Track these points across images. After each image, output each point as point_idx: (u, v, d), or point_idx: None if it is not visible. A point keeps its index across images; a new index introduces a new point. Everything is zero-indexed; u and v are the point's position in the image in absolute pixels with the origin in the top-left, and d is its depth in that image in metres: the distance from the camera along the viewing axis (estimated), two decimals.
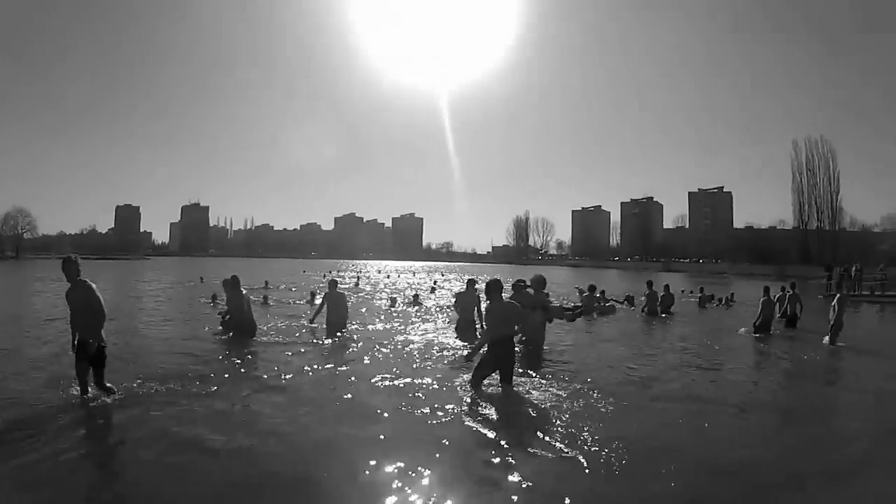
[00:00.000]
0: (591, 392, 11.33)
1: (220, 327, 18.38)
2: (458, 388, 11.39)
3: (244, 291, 17.86)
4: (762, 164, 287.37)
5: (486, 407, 10.18)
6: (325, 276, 57.06)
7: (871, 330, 26.91)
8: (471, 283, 20.68)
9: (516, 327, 11.83)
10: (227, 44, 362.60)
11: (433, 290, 41.45)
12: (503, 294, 11.80)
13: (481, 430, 8.93)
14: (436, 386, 11.64)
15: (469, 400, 10.60)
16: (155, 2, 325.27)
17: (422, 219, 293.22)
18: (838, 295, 19.45)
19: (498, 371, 11.36)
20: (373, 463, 7.38)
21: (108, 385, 10.07)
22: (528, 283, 15.98)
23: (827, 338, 18.89)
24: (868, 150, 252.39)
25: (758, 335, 20.73)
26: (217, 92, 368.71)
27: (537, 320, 15.28)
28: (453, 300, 23.04)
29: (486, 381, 11.34)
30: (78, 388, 9.88)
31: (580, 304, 21.94)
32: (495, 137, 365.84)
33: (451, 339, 18.11)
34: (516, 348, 12.21)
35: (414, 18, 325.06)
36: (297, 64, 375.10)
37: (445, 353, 15.46)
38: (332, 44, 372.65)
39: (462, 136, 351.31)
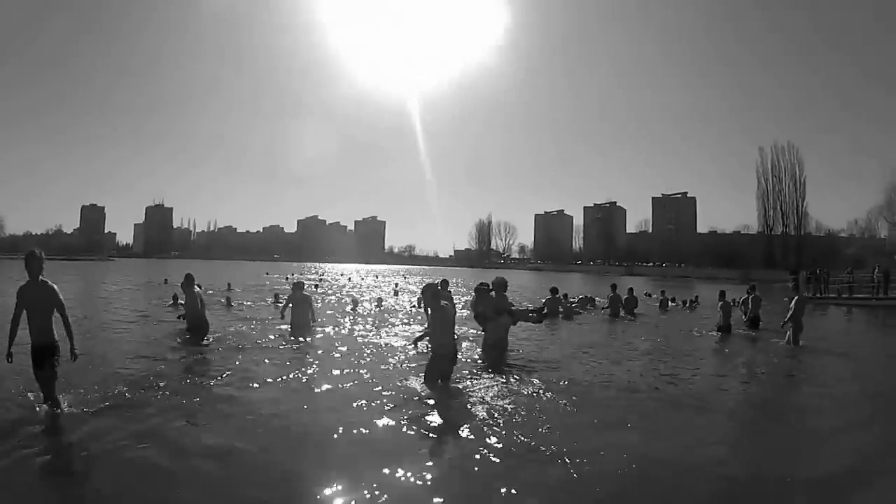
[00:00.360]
0: (548, 392, 11.50)
1: (183, 329, 18.08)
2: (414, 384, 11.75)
3: (198, 290, 17.79)
4: (727, 170, 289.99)
5: (434, 405, 10.36)
6: (287, 278, 57.23)
7: (837, 332, 27.83)
8: (444, 283, 20.72)
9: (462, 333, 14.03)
10: (192, 43, 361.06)
11: (395, 293, 41.53)
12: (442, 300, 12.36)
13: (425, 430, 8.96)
14: (388, 385, 11.66)
15: (422, 395, 10.98)
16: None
17: (384, 222, 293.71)
18: (796, 297, 19.93)
19: (443, 371, 11.73)
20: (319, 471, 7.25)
21: (57, 398, 9.20)
22: (491, 286, 15.59)
23: (786, 338, 19.47)
24: (836, 156, 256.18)
25: (719, 334, 21.60)
26: (181, 91, 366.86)
27: (503, 324, 15.21)
28: (417, 300, 24.52)
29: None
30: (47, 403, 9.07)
31: (543, 307, 21.61)
32: (460, 142, 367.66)
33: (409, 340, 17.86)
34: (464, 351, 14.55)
35: (383, 21, 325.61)
36: (263, 64, 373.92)
37: (402, 354, 15.48)
38: (298, 45, 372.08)
39: (427, 140, 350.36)
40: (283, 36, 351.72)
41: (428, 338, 13.94)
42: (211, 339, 17.11)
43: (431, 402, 10.55)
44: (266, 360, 14.28)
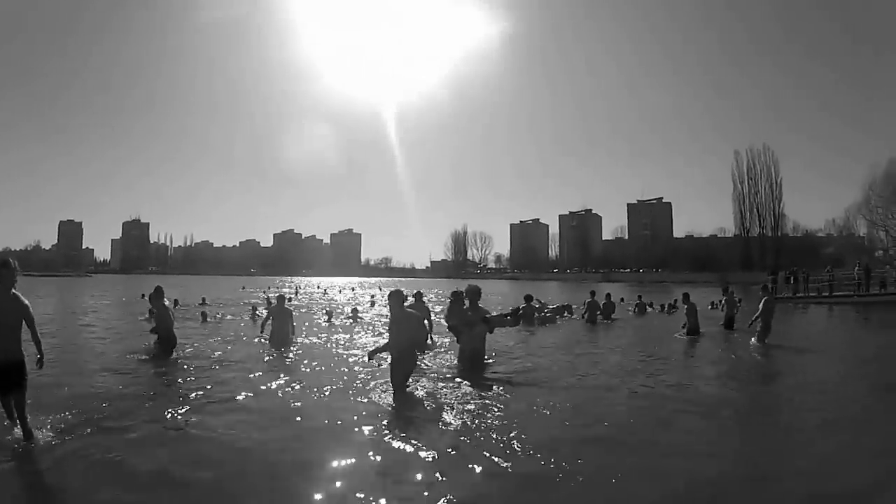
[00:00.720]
0: (524, 401, 11.36)
1: (153, 343, 17.67)
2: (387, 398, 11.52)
3: (167, 303, 17.75)
4: (703, 175, 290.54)
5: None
6: (264, 292, 57.15)
7: (813, 329, 29.25)
8: (418, 295, 21.55)
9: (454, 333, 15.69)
10: (168, 56, 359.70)
11: (372, 304, 41.47)
12: (404, 305, 13.04)
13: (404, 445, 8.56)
14: (363, 399, 11.54)
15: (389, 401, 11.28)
16: (95, 12, 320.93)
17: (360, 234, 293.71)
18: (765, 298, 20.22)
19: (405, 373, 12.08)
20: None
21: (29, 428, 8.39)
22: (465, 294, 15.93)
23: (754, 339, 19.95)
24: (813, 157, 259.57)
25: (691, 336, 21.95)
26: (159, 105, 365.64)
27: (477, 334, 15.28)
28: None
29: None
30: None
31: (518, 308, 21.39)
32: (435, 153, 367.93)
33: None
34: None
35: (358, 30, 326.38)
36: (238, 77, 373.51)
37: (378, 365, 14.46)
38: (272, 58, 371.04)
39: (402, 151, 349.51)
40: (258, 50, 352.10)
41: (384, 351, 12.68)
42: (179, 354, 16.89)
43: (407, 415, 10.47)
44: (243, 376, 13.86)
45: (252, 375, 13.77)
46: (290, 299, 36.54)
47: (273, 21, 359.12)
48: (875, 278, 47.30)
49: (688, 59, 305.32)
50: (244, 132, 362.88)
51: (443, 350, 18.25)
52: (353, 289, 78.29)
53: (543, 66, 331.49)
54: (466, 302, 15.76)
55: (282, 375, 13.80)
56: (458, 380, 13.36)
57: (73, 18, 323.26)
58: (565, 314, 31.22)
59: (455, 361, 15.59)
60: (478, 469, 7.44)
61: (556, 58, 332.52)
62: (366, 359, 14.43)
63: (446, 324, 16.63)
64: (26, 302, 8.37)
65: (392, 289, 13.49)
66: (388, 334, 12.78)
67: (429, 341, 18.64)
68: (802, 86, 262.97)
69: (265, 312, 23.53)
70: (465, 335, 15.20)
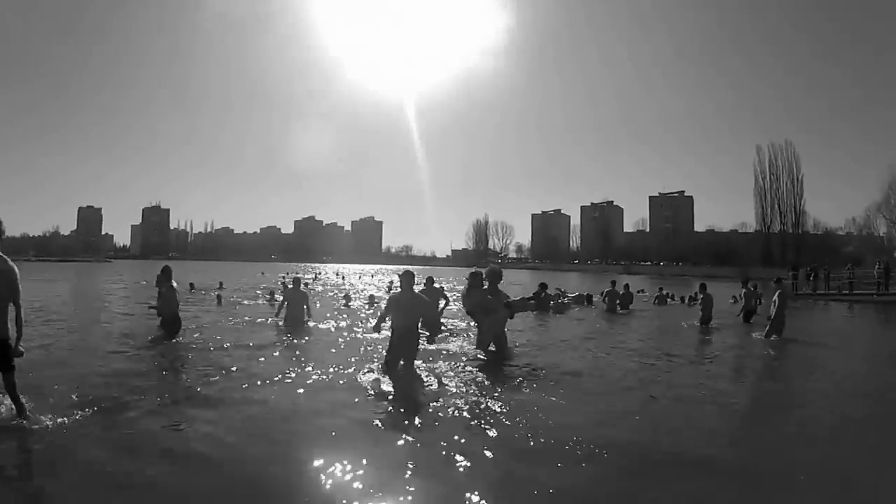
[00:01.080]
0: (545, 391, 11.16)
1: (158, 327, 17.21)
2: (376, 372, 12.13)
3: (174, 285, 17.12)
4: (725, 170, 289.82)
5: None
6: (283, 277, 56.49)
7: (830, 326, 28.85)
8: (429, 280, 21.42)
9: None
10: (185, 43, 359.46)
11: (389, 289, 41.65)
12: (414, 287, 13.08)
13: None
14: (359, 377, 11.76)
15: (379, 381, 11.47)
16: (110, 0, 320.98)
17: (381, 222, 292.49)
18: (779, 290, 20.11)
19: (402, 356, 12.20)
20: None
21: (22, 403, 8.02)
22: (484, 276, 15.26)
23: (761, 333, 20.12)
24: (834, 156, 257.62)
25: (703, 326, 22.62)
26: (177, 92, 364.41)
27: (499, 320, 14.87)
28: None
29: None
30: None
31: (541, 292, 21.41)
32: (457, 143, 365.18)
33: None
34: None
35: (379, 22, 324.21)
36: (257, 65, 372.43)
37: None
38: (293, 45, 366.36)
39: (423, 141, 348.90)
40: (278, 37, 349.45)
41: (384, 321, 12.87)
42: (183, 337, 16.64)
43: (412, 399, 10.51)
44: (258, 358, 13.77)
45: (253, 361, 13.38)
46: (307, 284, 36.67)
47: (295, 18, 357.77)
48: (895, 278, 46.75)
49: (704, 57, 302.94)
50: (265, 121, 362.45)
51: (454, 336, 18.19)
52: (371, 275, 79.00)
53: (562, 63, 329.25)
54: (485, 284, 15.08)
55: (286, 362, 13.58)
56: (471, 369, 12.83)
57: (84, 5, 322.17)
58: (584, 303, 31.44)
59: (473, 349, 15.02)
60: (461, 472, 6.93)
61: (575, 56, 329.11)
62: (375, 335, 15.08)
63: (464, 308, 15.88)
64: (14, 267, 7.72)
65: (404, 271, 12.88)
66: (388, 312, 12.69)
67: (441, 322, 19.01)
68: (820, 86, 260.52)
69: (281, 297, 23.46)
70: (485, 321, 14.71)
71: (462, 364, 13.37)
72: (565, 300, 29.65)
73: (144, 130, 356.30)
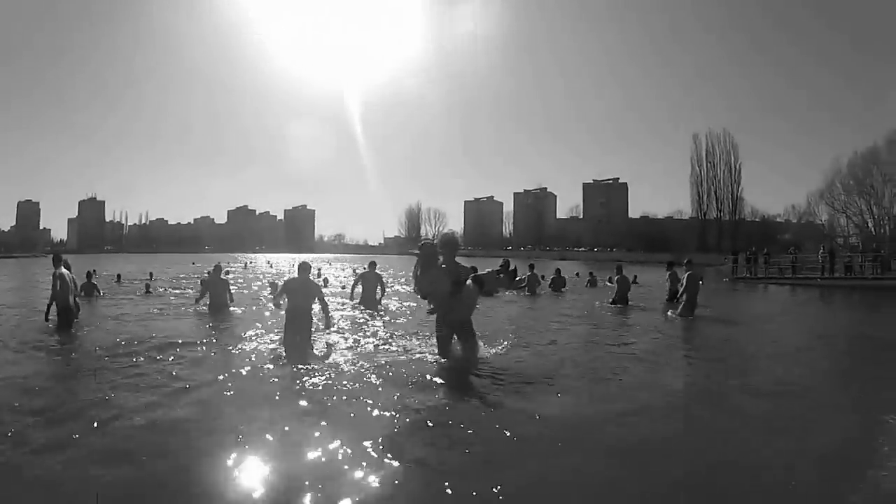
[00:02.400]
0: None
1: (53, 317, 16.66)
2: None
3: (65, 272, 16.60)
4: (660, 158, 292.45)
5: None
6: (200, 267, 58.24)
7: (758, 306, 30.30)
8: (372, 264, 24.32)
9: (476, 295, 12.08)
10: (120, 33, 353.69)
11: (319, 275, 43.42)
12: (308, 274, 14.48)
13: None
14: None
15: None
16: None
17: (314, 210, 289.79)
18: (689, 272, 21.25)
19: (296, 333, 13.66)
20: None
21: None
22: (439, 246, 11.88)
23: (671, 311, 21.55)
24: (774, 146, 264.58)
25: (619, 306, 24.13)
26: (111, 81, 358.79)
27: (467, 298, 11.67)
28: (354, 279, 27.35)
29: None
30: None
31: (509, 261, 20.95)
32: (391, 131, 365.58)
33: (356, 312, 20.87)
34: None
35: (316, 10, 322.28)
36: (190, 53, 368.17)
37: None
38: (229, 32, 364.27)
39: (358, 129, 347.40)
40: (214, 24, 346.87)
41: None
42: (80, 329, 16.15)
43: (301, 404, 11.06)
44: (139, 359, 12.40)
45: (150, 357, 12.35)
46: (227, 272, 36.66)
47: (232, 4, 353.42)
48: (839, 262, 47.84)
49: (642, 46, 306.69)
50: (199, 109, 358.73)
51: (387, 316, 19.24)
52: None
53: (499, 50, 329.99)
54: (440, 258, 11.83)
55: (184, 357, 12.29)
56: (428, 358, 11.80)
57: None
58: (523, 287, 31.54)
59: (431, 339, 12.56)
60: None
61: (510, 41, 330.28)
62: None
63: (417, 290, 12.15)
64: None
65: (302, 261, 15.07)
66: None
67: (381, 304, 22.77)
68: (762, 84, 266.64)
69: (202, 284, 24.01)
70: (446, 303, 11.45)
71: (410, 354, 12.50)
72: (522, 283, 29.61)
73: (80, 119, 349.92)
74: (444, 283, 11.47)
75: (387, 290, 25.11)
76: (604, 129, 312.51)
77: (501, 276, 12.26)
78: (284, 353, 12.56)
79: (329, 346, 13.64)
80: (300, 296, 13.87)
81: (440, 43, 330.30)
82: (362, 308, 21.81)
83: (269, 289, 29.47)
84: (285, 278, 16.00)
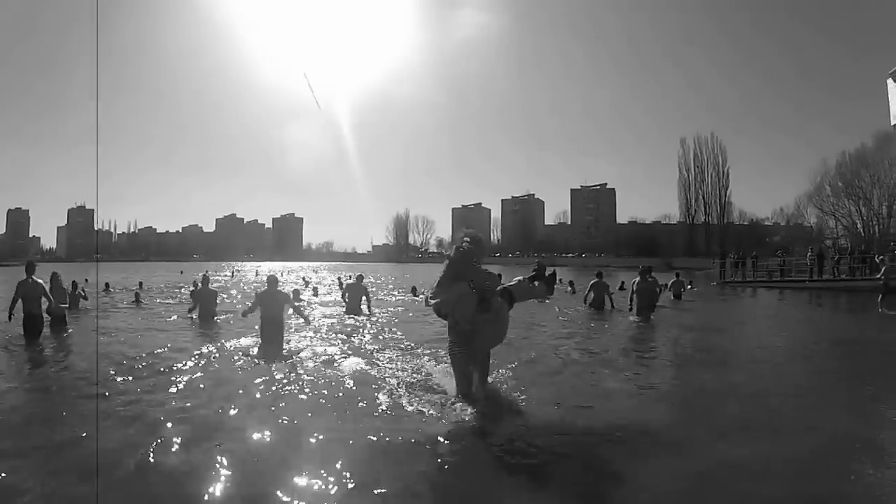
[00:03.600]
0: None
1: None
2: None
3: (38, 280, 16.55)
4: (648, 162, 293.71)
5: None
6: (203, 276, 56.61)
7: (736, 310, 30.20)
8: (359, 277, 25.84)
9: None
10: (109, 41, 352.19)
11: (341, 284, 41.24)
12: (276, 286, 15.79)
13: None
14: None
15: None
16: None
17: (302, 218, 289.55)
18: (636, 279, 22.40)
19: (267, 340, 14.64)
20: None
21: None
22: (470, 241, 9.19)
23: (633, 316, 22.04)
24: (762, 149, 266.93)
25: (595, 309, 24.60)
26: (100, 90, 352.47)
27: (502, 319, 9.13)
28: (342, 290, 28.12)
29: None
30: None
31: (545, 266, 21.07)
32: (380, 138, 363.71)
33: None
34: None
35: (302, 17, 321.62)
36: (179, 63, 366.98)
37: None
38: (215, 42, 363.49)
39: (347, 137, 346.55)
40: (202, 30, 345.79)
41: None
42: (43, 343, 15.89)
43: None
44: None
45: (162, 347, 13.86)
46: (207, 280, 37.36)
47: (214, 12, 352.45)
48: (829, 264, 47.66)
49: (631, 51, 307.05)
50: (188, 117, 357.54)
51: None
52: (288, 272, 79.89)
53: (487, 57, 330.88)
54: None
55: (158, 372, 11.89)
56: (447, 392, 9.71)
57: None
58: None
59: (447, 366, 10.31)
60: None
61: (499, 49, 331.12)
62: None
63: (437, 307, 9.55)
64: None
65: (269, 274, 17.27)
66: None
67: (365, 309, 24.12)
68: (766, 84, 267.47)
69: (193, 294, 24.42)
70: (481, 330, 8.88)
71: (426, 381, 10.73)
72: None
73: (69, 128, 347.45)
74: (470, 301, 8.80)
75: (372, 300, 25.99)
76: (591, 135, 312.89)
77: (536, 284, 9.83)
78: (261, 361, 13.03)
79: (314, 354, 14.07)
80: (271, 306, 15.10)
81: (430, 50, 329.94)
82: (350, 315, 22.89)
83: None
84: (259, 291, 17.30)
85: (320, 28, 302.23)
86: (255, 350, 14.19)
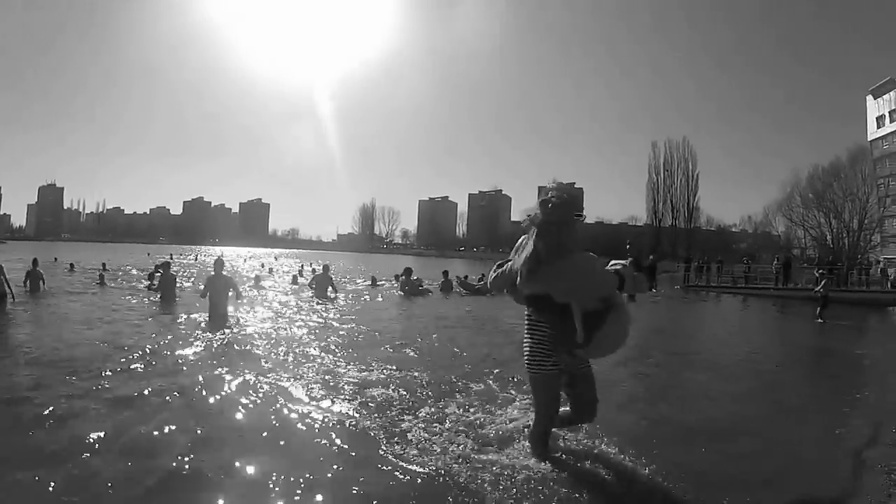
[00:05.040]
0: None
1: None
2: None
3: None
4: (617, 164, 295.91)
5: None
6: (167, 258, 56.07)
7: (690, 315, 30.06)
8: (325, 267, 28.82)
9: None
10: (82, 24, 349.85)
11: (300, 272, 42.98)
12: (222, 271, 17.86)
13: None
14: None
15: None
16: None
17: (269, 204, 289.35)
18: None
19: (215, 314, 16.96)
20: None
21: None
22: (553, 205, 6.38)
23: None
24: (736, 160, 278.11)
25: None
26: (72, 70, 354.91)
27: (614, 311, 6.08)
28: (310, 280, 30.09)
29: None
30: None
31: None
32: (348, 127, 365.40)
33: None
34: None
35: (283, 7, 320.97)
36: (152, 44, 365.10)
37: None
38: (188, 26, 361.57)
39: (313, 126, 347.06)
40: (174, 16, 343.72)
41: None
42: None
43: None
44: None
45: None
46: (169, 264, 37.58)
47: None
48: (794, 273, 47.99)
49: (605, 56, 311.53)
50: (158, 99, 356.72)
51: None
52: (250, 258, 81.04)
53: (460, 52, 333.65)
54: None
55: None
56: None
57: None
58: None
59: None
60: None
61: (469, 44, 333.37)
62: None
63: (517, 289, 6.24)
64: None
65: (216, 258, 19.48)
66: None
67: (331, 294, 26.21)
68: (738, 93, 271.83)
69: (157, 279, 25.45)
70: (609, 326, 5.90)
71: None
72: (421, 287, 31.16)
73: (42, 107, 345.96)
74: (602, 281, 6.10)
75: (338, 289, 27.76)
76: (561, 134, 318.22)
77: (640, 269, 7.89)
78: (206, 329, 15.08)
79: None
80: (218, 288, 17.40)
81: (406, 46, 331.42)
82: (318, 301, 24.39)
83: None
84: (209, 275, 18.52)
85: (295, 17, 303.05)
86: (203, 323, 16.07)
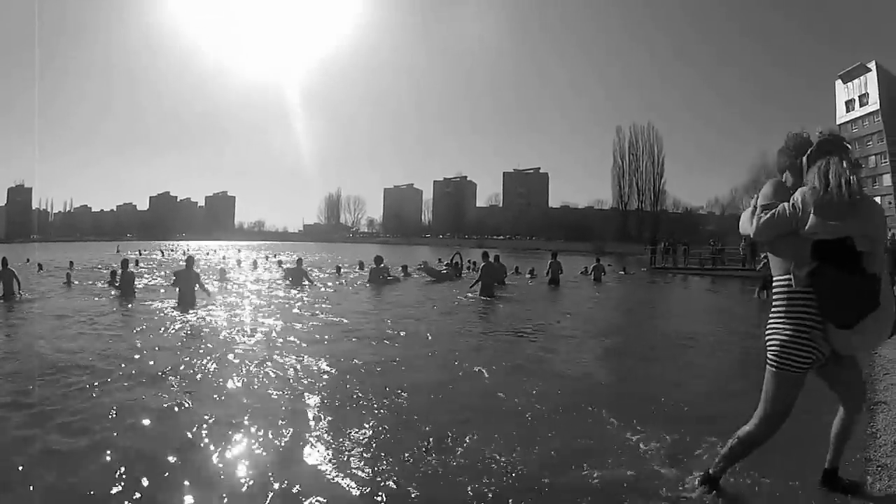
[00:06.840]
0: None
1: None
2: None
3: None
4: (582, 149, 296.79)
5: None
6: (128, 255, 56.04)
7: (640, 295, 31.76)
8: (299, 261, 30.90)
9: None
10: (38, 20, 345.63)
11: (239, 262, 46.36)
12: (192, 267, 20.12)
13: None
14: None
15: None
16: None
17: (234, 197, 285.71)
18: (483, 263, 25.13)
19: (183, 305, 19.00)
20: None
21: None
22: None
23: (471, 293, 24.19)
24: (698, 141, 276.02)
25: (478, 294, 23.95)
26: (28, 66, 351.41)
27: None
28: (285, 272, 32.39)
29: None
30: None
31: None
32: (311, 117, 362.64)
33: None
34: None
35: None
36: (111, 38, 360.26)
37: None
38: (150, 18, 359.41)
39: (278, 116, 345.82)
40: (137, 10, 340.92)
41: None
42: None
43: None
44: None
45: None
46: (136, 262, 41.38)
47: None
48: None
49: (570, 43, 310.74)
50: (120, 94, 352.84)
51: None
52: (214, 251, 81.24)
53: (420, 38, 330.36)
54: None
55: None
56: None
57: None
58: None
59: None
60: None
61: (430, 29, 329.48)
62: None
63: (827, 208, 4.37)
64: None
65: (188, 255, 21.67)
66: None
67: (306, 283, 27.99)
68: (683, 85, 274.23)
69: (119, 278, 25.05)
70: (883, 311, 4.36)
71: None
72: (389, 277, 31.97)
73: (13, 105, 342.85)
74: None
75: (314, 281, 29.13)
76: (526, 121, 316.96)
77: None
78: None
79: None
80: (186, 282, 19.63)
81: (369, 34, 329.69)
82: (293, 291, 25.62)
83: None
84: (178, 270, 21.09)
85: (254, 8, 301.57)
86: (173, 313, 17.68)
